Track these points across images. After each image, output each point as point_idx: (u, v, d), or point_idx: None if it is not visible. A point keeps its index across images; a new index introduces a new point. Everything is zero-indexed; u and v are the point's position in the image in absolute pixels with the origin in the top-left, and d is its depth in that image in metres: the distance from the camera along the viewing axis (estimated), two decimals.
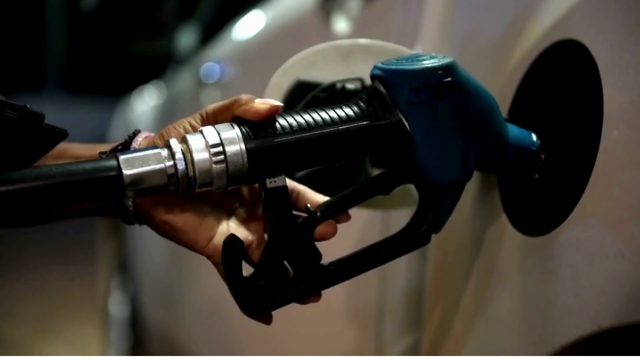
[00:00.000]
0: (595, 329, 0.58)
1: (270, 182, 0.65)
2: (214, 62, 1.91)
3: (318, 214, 0.67)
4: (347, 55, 0.78)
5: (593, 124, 0.63)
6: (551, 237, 0.65)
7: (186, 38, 2.40)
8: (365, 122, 0.65)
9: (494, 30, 0.82)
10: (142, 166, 0.61)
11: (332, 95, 0.77)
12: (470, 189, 0.79)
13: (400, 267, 0.92)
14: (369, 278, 0.99)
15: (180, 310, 1.97)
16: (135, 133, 0.69)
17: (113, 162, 0.61)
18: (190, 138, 0.62)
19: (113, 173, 0.60)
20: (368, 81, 0.77)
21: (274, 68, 0.79)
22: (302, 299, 0.69)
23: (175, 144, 0.63)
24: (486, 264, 0.75)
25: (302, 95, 0.76)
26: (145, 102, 2.81)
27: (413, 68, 0.65)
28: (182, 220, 0.68)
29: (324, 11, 1.18)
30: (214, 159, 0.62)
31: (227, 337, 1.58)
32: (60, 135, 0.63)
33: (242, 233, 0.69)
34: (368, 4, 1.09)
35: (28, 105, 0.60)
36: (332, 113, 0.65)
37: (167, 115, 2.43)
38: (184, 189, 0.63)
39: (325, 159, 0.66)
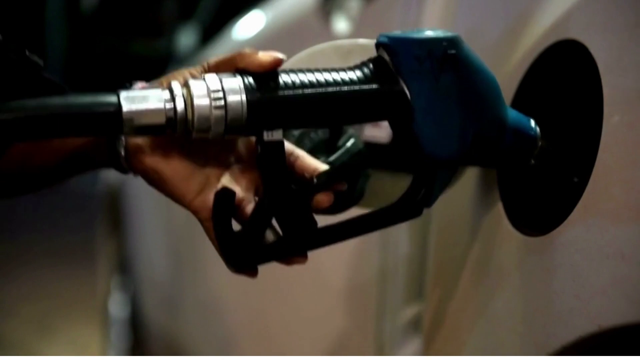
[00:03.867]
0: (595, 329, 0.58)
1: (268, 135, 0.64)
2: None
3: (315, 180, 0.67)
4: (347, 55, 0.78)
5: (593, 123, 0.63)
6: (551, 237, 0.65)
7: (186, 38, 2.40)
8: (367, 87, 0.65)
9: (494, 30, 0.82)
10: (142, 104, 0.61)
11: None
12: (470, 189, 0.79)
13: (401, 268, 0.92)
14: (369, 277, 0.99)
15: (180, 310, 1.97)
16: (132, 83, 0.69)
17: (113, 98, 0.61)
18: (193, 83, 0.63)
19: (112, 108, 0.60)
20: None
21: None
22: (288, 258, 0.68)
23: (177, 86, 0.63)
24: (486, 264, 0.75)
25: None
26: None
27: (418, 37, 0.65)
28: (173, 169, 0.68)
29: (324, 11, 1.18)
30: (214, 104, 0.62)
31: (227, 337, 1.58)
32: (59, 89, 0.63)
33: (234, 189, 0.68)
34: (368, 4, 1.09)
35: (27, 52, 0.61)
36: (335, 75, 0.65)
37: None
38: (181, 132, 0.63)
39: (324, 120, 0.66)
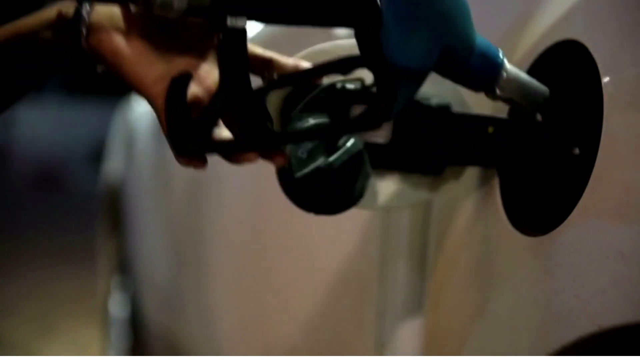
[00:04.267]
0: (595, 329, 0.58)
1: (231, 21, 0.63)
2: None
3: (275, 77, 0.66)
4: (346, 55, 0.78)
5: (593, 123, 0.63)
6: (551, 237, 0.65)
7: None
8: None
9: (494, 30, 0.82)
10: None
11: (332, 95, 0.77)
12: (470, 189, 0.79)
13: (400, 267, 0.92)
14: (369, 276, 0.99)
15: (180, 310, 1.97)
16: None
17: None
18: None
19: None
20: (368, 81, 0.77)
21: None
22: (238, 152, 0.66)
23: None
24: (486, 264, 0.75)
25: (302, 95, 0.76)
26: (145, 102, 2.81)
27: None
28: (135, 52, 0.66)
29: None
30: None
31: (226, 337, 1.58)
32: None
33: (196, 88, 0.66)
34: None
35: None
36: None
37: None
38: (143, 2, 0.61)
39: (291, 14, 0.64)
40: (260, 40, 1.60)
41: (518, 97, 0.71)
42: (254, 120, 0.65)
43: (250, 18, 0.64)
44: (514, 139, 0.74)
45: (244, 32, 0.63)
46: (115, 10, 0.67)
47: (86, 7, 0.67)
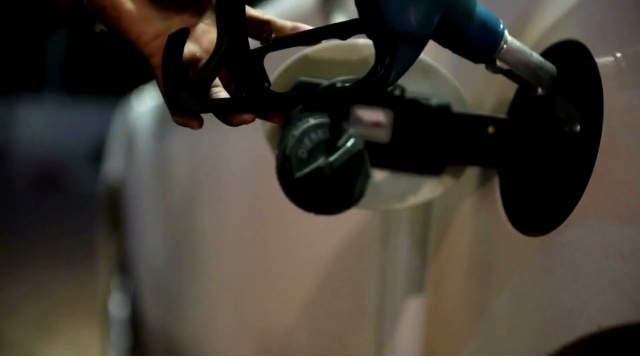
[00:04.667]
0: (595, 329, 0.58)
1: None
2: None
3: (271, 40, 0.66)
4: (347, 55, 0.78)
5: (593, 124, 0.63)
6: (551, 237, 0.65)
7: None
8: None
9: None
10: None
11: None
12: (470, 189, 0.79)
13: (400, 267, 0.92)
14: (369, 277, 0.99)
15: (180, 310, 1.97)
16: None
17: None
18: None
19: None
20: None
21: (274, 68, 0.79)
22: (234, 113, 0.66)
23: None
24: (486, 264, 0.75)
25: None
26: (145, 102, 2.81)
27: None
28: (134, 5, 0.65)
29: (324, 11, 1.18)
30: None
31: (226, 336, 1.58)
32: None
33: (193, 46, 0.66)
34: None
35: None
36: None
37: (167, 116, 2.43)
38: None
39: None
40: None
41: (520, 70, 0.69)
42: (251, 80, 0.65)
43: None
44: (514, 139, 0.74)
45: None
46: None
47: None
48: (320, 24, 1.21)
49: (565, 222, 0.63)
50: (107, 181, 3.03)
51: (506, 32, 0.69)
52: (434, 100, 0.77)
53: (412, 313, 0.90)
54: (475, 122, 0.76)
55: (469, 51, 0.70)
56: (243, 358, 1.44)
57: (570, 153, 0.68)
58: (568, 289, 0.62)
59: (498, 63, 0.69)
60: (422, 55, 0.82)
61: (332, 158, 0.73)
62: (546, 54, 0.71)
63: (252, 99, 0.66)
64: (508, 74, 0.70)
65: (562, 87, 0.69)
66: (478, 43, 0.69)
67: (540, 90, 0.71)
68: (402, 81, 0.78)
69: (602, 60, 0.63)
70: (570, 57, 0.67)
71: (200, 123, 0.66)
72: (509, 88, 0.75)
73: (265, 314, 1.37)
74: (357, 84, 0.67)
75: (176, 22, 0.67)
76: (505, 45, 0.69)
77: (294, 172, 0.72)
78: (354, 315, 1.05)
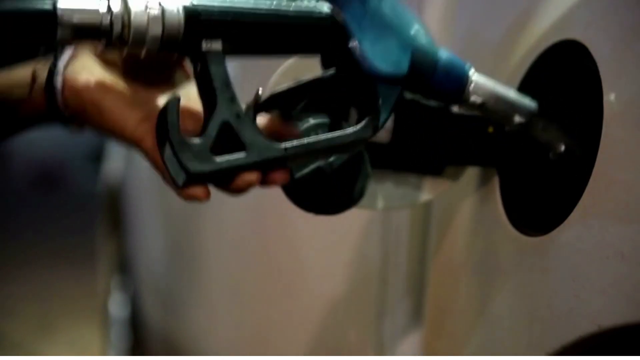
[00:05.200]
0: (595, 329, 0.58)
1: (207, 45, 0.63)
2: None
3: (259, 101, 0.66)
4: None
5: (593, 124, 0.63)
6: (551, 237, 0.65)
7: None
8: (300, 10, 0.66)
9: (494, 31, 0.82)
10: (78, 3, 0.60)
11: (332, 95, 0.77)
12: (470, 189, 0.79)
13: (401, 267, 0.92)
14: (369, 277, 0.99)
15: (180, 310, 1.97)
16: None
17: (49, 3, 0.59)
18: None
19: (48, 5, 0.58)
20: None
21: (273, 68, 0.79)
22: (242, 171, 0.64)
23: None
24: (486, 264, 0.75)
25: (302, 96, 0.76)
26: None
27: None
28: (113, 99, 0.66)
29: None
30: (150, 11, 0.61)
31: (226, 337, 1.58)
32: None
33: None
34: None
35: None
36: (276, 3, 0.66)
37: None
38: (117, 37, 0.61)
39: (265, 39, 0.65)
40: None
41: (492, 107, 0.71)
42: (246, 141, 0.64)
43: (226, 40, 0.64)
44: (514, 139, 0.74)
45: (221, 55, 0.63)
46: (86, 62, 0.67)
47: (63, 60, 0.67)
48: None
49: (565, 222, 0.63)
50: (107, 181, 3.03)
51: (474, 74, 0.70)
52: (434, 100, 0.77)
53: (412, 313, 0.90)
54: (475, 122, 0.76)
55: (438, 94, 0.71)
56: (243, 358, 1.44)
57: (570, 153, 0.68)
58: (568, 289, 0.62)
59: (470, 101, 0.71)
60: None
61: (332, 158, 0.73)
62: (546, 54, 0.71)
63: (256, 153, 0.64)
64: (482, 110, 0.72)
65: (563, 87, 0.69)
66: (445, 86, 0.70)
67: (517, 119, 0.72)
68: None
69: (602, 60, 0.63)
70: (570, 57, 0.67)
71: (208, 192, 0.64)
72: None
73: (265, 313, 1.37)
74: (347, 135, 0.67)
75: (155, 103, 0.67)
76: (472, 87, 0.70)
77: (294, 172, 0.72)
78: (354, 315, 1.05)
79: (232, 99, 0.63)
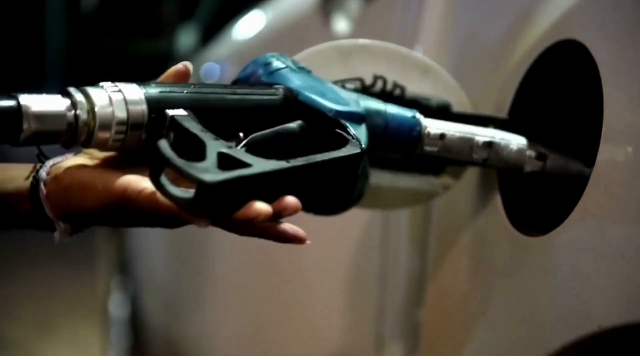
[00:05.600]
0: (595, 329, 0.58)
1: (172, 111, 0.63)
2: (214, 62, 1.91)
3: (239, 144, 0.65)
4: (347, 55, 0.78)
5: (593, 123, 0.63)
6: (551, 237, 0.65)
7: (186, 38, 2.40)
8: (254, 89, 0.68)
9: (494, 30, 0.82)
10: (42, 102, 0.59)
11: None
12: (470, 189, 0.79)
13: (400, 267, 0.92)
14: (369, 277, 0.99)
15: (180, 310, 1.97)
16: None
17: (12, 99, 0.59)
18: (90, 89, 0.62)
19: (12, 104, 0.58)
20: (368, 81, 0.77)
21: None
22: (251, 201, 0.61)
23: (74, 90, 0.62)
24: (486, 264, 0.75)
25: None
26: None
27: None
28: (92, 173, 0.64)
29: (324, 11, 1.18)
30: (113, 96, 0.62)
31: (226, 336, 1.58)
32: None
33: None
34: (368, 4, 1.09)
35: None
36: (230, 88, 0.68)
37: None
38: (82, 127, 0.61)
39: (224, 119, 0.66)
40: (260, 40, 1.60)
41: (456, 151, 0.71)
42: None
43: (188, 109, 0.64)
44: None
45: (187, 117, 0.63)
46: (67, 162, 0.66)
47: (46, 167, 0.66)
48: (320, 24, 1.21)
49: (565, 222, 0.63)
50: None
51: (425, 122, 0.70)
52: (434, 100, 0.77)
53: (412, 313, 0.90)
54: (475, 122, 0.76)
55: (394, 149, 0.71)
56: (243, 358, 1.44)
57: (570, 153, 0.68)
58: (568, 289, 0.62)
59: (427, 151, 0.71)
60: (422, 56, 0.82)
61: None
62: (546, 54, 0.71)
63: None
64: (444, 151, 0.71)
65: (563, 87, 0.69)
66: (399, 139, 0.70)
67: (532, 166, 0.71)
68: (402, 81, 0.78)
69: (602, 60, 0.63)
70: (570, 57, 0.67)
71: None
72: (509, 89, 0.75)
73: (265, 312, 1.37)
74: (333, 162, 0.65)
75: (133, 168, 0.65)
76: (427, 135, 0.70)
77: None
78: (354, 315, 1.05)
79: (216, 138, 0.62)
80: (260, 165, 0.61)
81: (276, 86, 0.68)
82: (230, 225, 0.63)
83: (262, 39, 1.58)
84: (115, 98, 0.62)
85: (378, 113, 0.68)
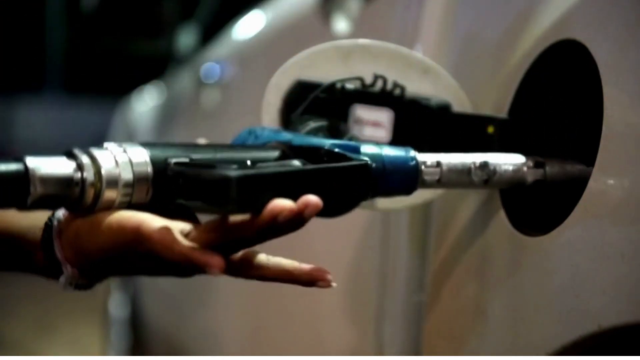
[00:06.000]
0: (595, 329, 0.58)
1: (175, 159, 0.63)
2: (214, 62, 1.91)
3: None
4: (347, 55, 0.78)
5: (593, 123, 0.63)
6: (551, 237, 0.65)
7: (186, 38, 2.40)
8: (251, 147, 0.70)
9: (494, 30, 0.82)
10: (49, 166, 0.59)
11: (332, 95, 0.77)
12: (470, 189, 0.79)
13: (400, 267, 0.92)
14: (369, 277, 0.99)
15: (180, 310, 1.97)
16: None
17: (19, 163, 0.59)
18: (95, 150, 0.62)
19: (20, 167, 0.58)
20: (368, 81, 0.77)
21: (274, 68, 0.79)
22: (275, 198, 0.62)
23: (80, 153, 0.61)
24: (486, 264, 0.75)
25: (302, 95, 0.76)
26: (145, 102, 2.81)
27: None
28: (105, 212, 0.63)
29: (324, 11, 1.18)
30: (118, 157, 0.62)
31: (226, 337, 1.58)
32: None
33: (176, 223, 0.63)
34: (368, 4, 1.09)
35: None
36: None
37: (167, 116, 2.43)
38: (89, 189, 0.61)
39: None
40: (260, 40, 1.60)
41: (454, 180, 0.70)
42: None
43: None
44: (514, 139, 0.74)
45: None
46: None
47: (63, 210, 0.66)
48: (320, 24, 1.21)
49: (565, 222, 0.63)
50: None
51: (419, 159, 0.69)
52: (434, 100, 0.77)
53: (412, 313, 0.90)
54: (475, 122, 0.76)
55: (398, 187, 0.69)
56: (243, 358, 1.44)
57: (570, 153, 0.68)
58: (568, 289, 0.62)
59: (427, 180, 0.69)
60: (422, 56, 0.82)
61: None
62: (546, 54, 0.71)
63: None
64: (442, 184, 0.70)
65: (563, 87, 0.69)
66: (400, 176, 0.68)
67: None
68: (402, 81, 0.78)
69: (602, 60, 0.63)
70: (570, 57, 0.67)
71: (223, 263, 0.60)
72: (509, 88, 0.75)
73: (265, 312, 1.37)
74: (344, 169, 0.66)
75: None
76: (426, 173, 0.69)
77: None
78: (354, 315, 1.05)
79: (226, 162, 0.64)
80: (279, 167, 0.62)
81: (269, 144, 0.69)
82: (247, 270, 0.64)
83: (262, 39, 1.58)
84: (121, 160, 0.62)
85: (374, 157, 0.67)
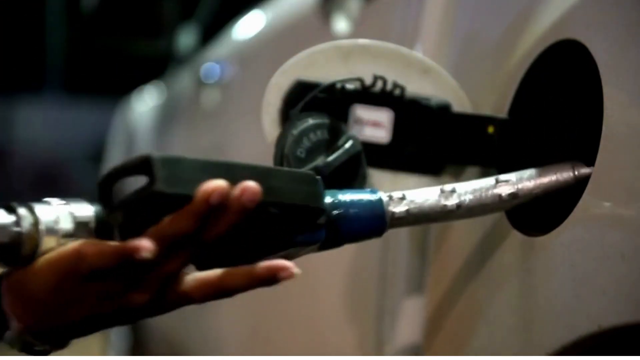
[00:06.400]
0: (595, 329, 0.58)
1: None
2: (214, 62, 1.91)
3: None
4: (347, 55, 0.78)
5: (593, 123, 0.63)
6: (551, 237, 0.65)
7: (186, 38, 2.40)
8: None
9: (494, 30, 0.82)
10: None
11: (331, 95, 0.77)
12: None
13: (401, 267, 0.92)
14: (369, 277, 0.99)
15: (180, 311, 1.97)
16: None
17: None
18: (37, 206, 0.64)
19: None
20: (368, 81, 0.77)
21: (274, 68, 0.79)
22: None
23: (19, 208, 0.62)
24: (486, 264, 0.75)
25: (302, 95, 0.76)
26: (145, 102, 2.81)
27: None
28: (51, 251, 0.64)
29: (324, 11, 1.18)
30: (59, 209, 0.64)
31: (226, 337, 1.58)
32: None
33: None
34: (368, 4, 1.09)
35: None
36: None
37: (167, 116, 2.43)
38: (26, 239, 0.62)
39: None
40: (260, 40, 1.60)
41: (425, 209, 0.68)
42: None
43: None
44: (514, 139, 0.74)
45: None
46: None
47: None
48: (320, 24, 1.21)
49: (565, 222, 0.63)
50: None
51: (385, 199, 0.67)
52: (434, 100, 0.77)
53: (412, 313, 0.90)
54: (475, 122, 0.76)
55: (366, 229, 0.68)
56: (243, 358, 1.44)
57: (570, 153, 0.68)
58: (568, 289, 0.62)
59: (397, 213, 0.67)
60: (422, 56, 0.82)
61: (330, 158, 0.73)
62: (546, 54, 0.71)
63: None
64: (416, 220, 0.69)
65: (563, 87, 0.69)
66: (365, 215, 0.67)
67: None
68: (402, 81, 0.78)
69: (602, 60, 0.63)
70: (570, 57, 0.67)
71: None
72: (509, 88, 0.75)
73: (265, 311, 1.37)
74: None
75: None
76: (392, 213, 0.67)
77: None
78: (354, 315, 1.05)
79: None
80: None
81: None
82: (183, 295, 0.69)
83: (262, 39, 1.58)
84: (62, 211, 0.64)
85: (333, 205, 0.66)
